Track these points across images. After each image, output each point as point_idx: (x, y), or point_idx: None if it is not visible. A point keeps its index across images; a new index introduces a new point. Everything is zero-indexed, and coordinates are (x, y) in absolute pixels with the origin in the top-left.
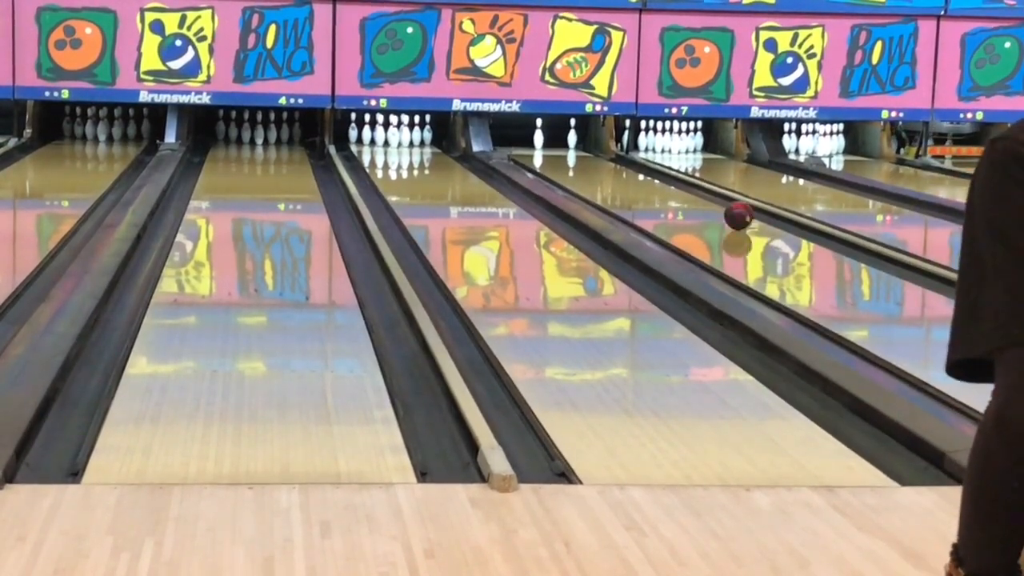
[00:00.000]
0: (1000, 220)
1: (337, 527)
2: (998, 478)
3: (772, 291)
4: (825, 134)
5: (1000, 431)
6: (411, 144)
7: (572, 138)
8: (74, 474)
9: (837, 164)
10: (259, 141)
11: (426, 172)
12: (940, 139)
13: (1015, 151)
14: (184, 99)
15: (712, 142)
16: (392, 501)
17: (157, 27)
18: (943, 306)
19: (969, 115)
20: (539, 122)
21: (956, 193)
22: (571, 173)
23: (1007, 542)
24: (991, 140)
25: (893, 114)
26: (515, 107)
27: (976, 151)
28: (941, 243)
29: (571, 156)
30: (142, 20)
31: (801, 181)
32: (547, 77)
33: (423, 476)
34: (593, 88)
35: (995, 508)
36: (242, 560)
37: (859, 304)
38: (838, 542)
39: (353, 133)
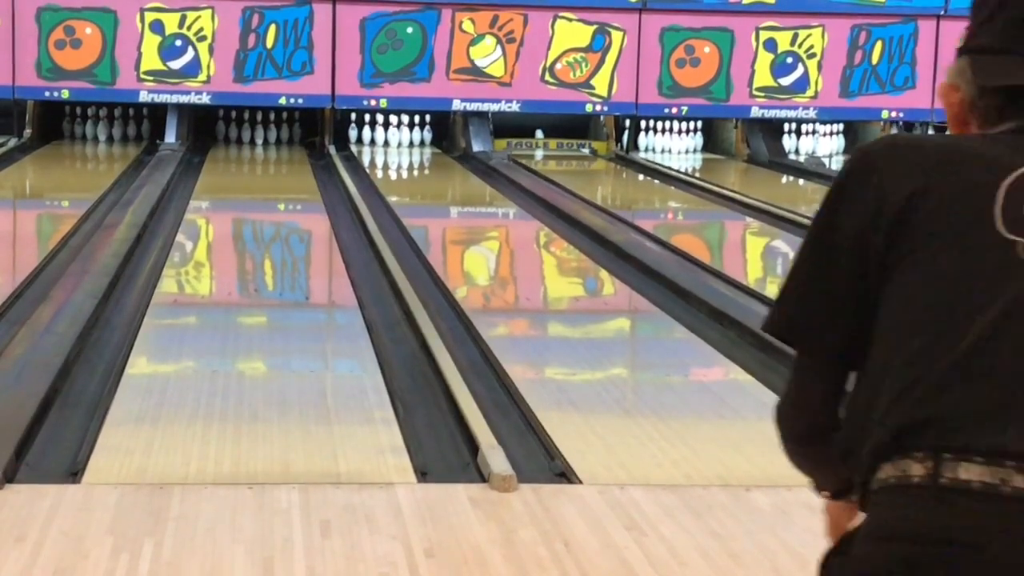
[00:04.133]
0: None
1: (337, 527)
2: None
3: (772, 291)
4: (825, 134)
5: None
6: (411, 144)
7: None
8: (74, 474)
9: (837, 164)
10: (259, 141)
11: (426, 172)
12: None
13: (863, 154)
14: (184, 99)
15: (712, 142)
16: (392, 501)
17: (157, 27)
18: None
19: None
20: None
21: None
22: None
23: (829, 477)
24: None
25: (893, 114)
26: (515, 107)
27: None
28: None
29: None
30: (142, 20)
31: (801, 181)
32: (547, 77)
33: (423, 476)
34: (593, 88)
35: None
36: (242, 560)
37: None
38: None
39: (353, 133)
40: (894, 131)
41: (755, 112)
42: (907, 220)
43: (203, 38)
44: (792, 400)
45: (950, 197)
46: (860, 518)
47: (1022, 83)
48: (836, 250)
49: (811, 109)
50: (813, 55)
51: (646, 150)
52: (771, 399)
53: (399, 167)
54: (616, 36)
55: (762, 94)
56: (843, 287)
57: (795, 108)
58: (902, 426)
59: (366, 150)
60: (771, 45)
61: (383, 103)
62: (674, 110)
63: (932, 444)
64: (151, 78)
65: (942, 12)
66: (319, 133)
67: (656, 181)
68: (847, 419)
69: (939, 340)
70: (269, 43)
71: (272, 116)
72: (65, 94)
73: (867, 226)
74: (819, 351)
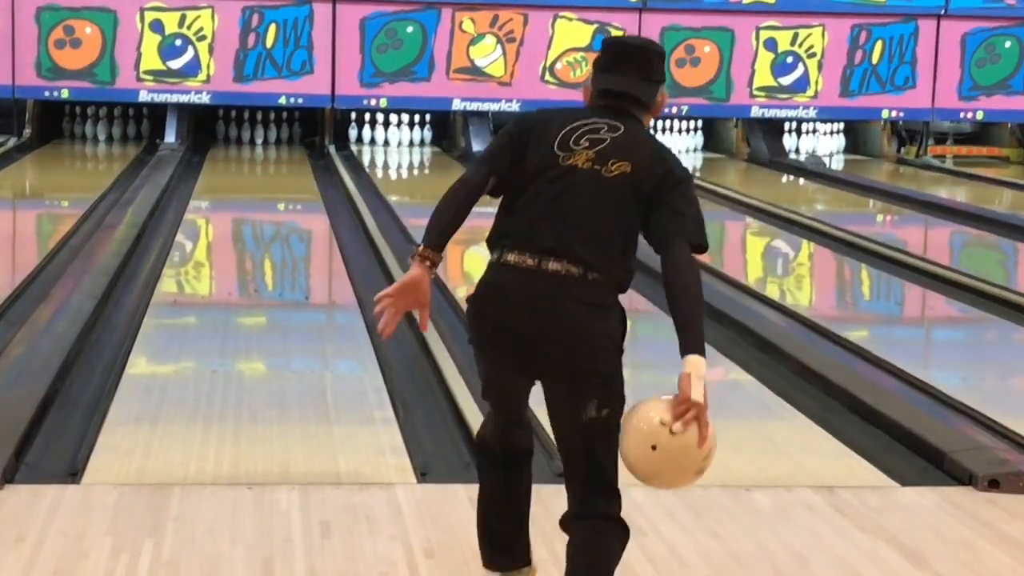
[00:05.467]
0: None
1: (337, 527)
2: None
3: (772, 291)
4: (825, 134)
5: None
6: (411, 144)
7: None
8: (74, 474)
9: (837, 164)
10: (259, 141)
11: (426, 172)
12: (941, 138)
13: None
14: (184, 99)
15: (712, 141)
16: (392, 501)
17: (157, 27)
18: (943, 306)
19: (969, 115)
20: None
21: (956, 193)
22: None
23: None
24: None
25: (893, 114)
26: (515, 107)
27: (977, 150)
28: (941, 243)
29: None
30: (142, 20)
31: (801, 181)
32: (547, 77)
33: (423, 476)
34: None
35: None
36: (242, 560)
37: (859, 304)
38: (838, 542)
39: (353, 133)
40: (894, 131)
41: (755, 112)
42: (526, 142)
43: (203, 38)
44: (461, 186)
45: (545, 132)
46: (424, 280)
47: (603, 87)
48: (506, 145)
49: (811, 108)
50: (813, 55)
51: None
52: (771, 399)
53: (399, 167)
54: (616, 36)
55: (762, 94)
56: (505, 159)
57: (795, 107)
58: (498, 235)
59: (366, 150)
60: (771, 45)
61: (383, 103)
62: (674, 109)
63: (503, 244)
64: (151, 78)
65: (942, 12)
66: (319, 133)
67: None
68: (494, 233)
69: (518, 198)
70: (269, 43)
71: (272, 116)
72: (65, 94)
73: (515, 138)
74: (483, 184)
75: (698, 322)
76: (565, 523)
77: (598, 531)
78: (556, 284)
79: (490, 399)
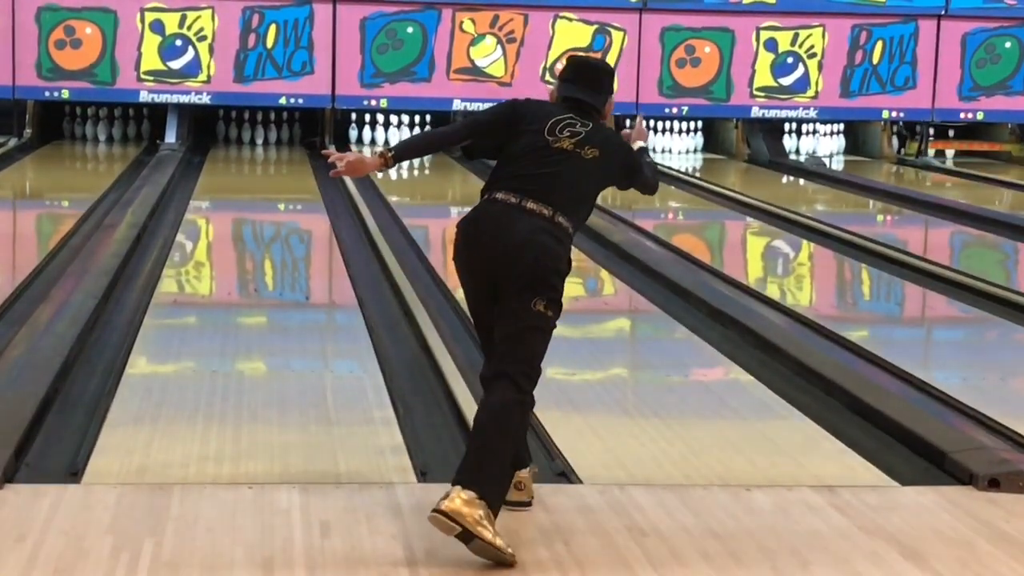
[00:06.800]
0: None
1: (337, 527)
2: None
3: (772, 291)
4: (825, 134)
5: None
6: None
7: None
8: (74, 474)
9: (837, 164)
10: (259, 141)
11: (426, 172)
12: (941, 131)
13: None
14: (184, 99)
15: (712, 142)
16: (392, 501)
17: (157, 27)
18: (943, 306)
19: (969, 115)
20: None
21: (956, 193)
22: None
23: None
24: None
25: (894, 114)
26: None
27: (978, 145)
28: (941, 243)
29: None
30: (142, 20)
31: (801, 181)
32: (547, 77)
33: (423, 476)
34: None
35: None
36: (242, 560)
37: (859, 304)
38: (838, 542)
39: (353, 133)
40: (894, 131)
41: (755, 112)
42: (518, 123)
43: (203, 38)
44: (444, 132)
45: (535, 120)
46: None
47: (566, 95)
48: (499, 123)
49: (811, 109)
50: (813, 55)
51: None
52: (771, 399)
53: (399, 167)
54: (616, 36)
55: (762, 94)
56: (497, 132)
57: (795, 108)
58: (490, 183)
59: (366, 150)
60: (771, 45)
61: (383, 103)
62: (674, 110)
63: (493, 188)
64: (151, 78)
65: (942, 12)
66: (319, 133)
67: None
68: (491, 179)
69: (511, 164)
70: (269, 43)
71: (272, 116)
72: (65, 94)
73: (508, 120)
74: (460, 141)
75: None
76: (484, 380)
77: (506, 398)
78: (531, 218)
79: (474, 318)
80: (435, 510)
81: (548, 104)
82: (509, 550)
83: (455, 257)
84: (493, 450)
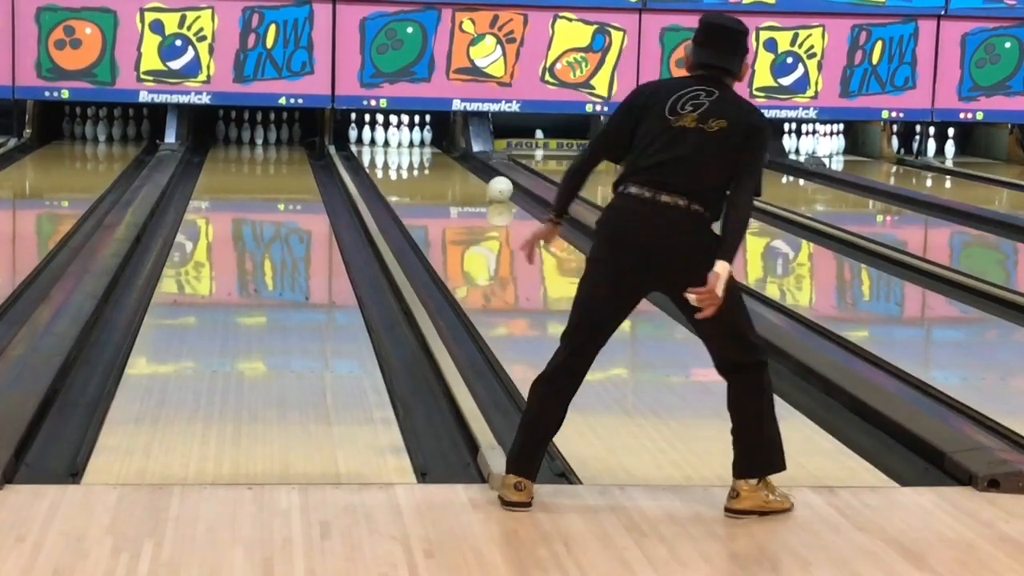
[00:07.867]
0: None
1: (337, 527)
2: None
3: (772, 291)
4: (825, 134)
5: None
6: (411, 144)
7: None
8: (74, 474)
9: (837, 164)
10: (259, 141)
11: (426, 172)
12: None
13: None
14: (184, 99)
15: None
16: (392, 501)
17: (157, 27)
18: (943, 306)
19: (969, 115)
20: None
21: (956, 193)
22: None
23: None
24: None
25: (893, 114)
26: (515, 107)
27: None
28: (941, 243)
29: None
30: (142, 20)
31: (801, 181)
32: (547, 77)
33: (423, 476)
34: (593, 88)
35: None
36: (242, 560)
37: (859, 304)
38: (838, 542)
39: (353, 133)
40: (894, 131)
41: None
42: (639, 114)
43: (203, 38)
44: (578, 161)
45: (655, 101)
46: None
47: (702, 61)
48: (624, 123)
49: (811, 109)
50: (813, 55)
51: None
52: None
53: (399, 167)
54: (616, 36)
55: (762, 94)
56: (623, 133)
57: (795, 108)
58: (622, 177)
59: (366, 150)
60: (771, 45)
61: (383, 103)
62: None
63: (625, 181)
64: (151, 78)
65: (942, 12)
66: (319, 133)
67: None
68: (621, 174)
69: (639, 155)
70: (269, 43)
71: (272, 116)
72: (65, 94)
73: (628, 113)
74: (596, 161)
75: (735, 241)
76: (721, 372)
77: (749, 384)
78: (667, 214)
79: (579, 319)
80: (727, 509)
81: (670, 80)
82: (790, 499)
83: (596, 258)
84: (760, 435)
